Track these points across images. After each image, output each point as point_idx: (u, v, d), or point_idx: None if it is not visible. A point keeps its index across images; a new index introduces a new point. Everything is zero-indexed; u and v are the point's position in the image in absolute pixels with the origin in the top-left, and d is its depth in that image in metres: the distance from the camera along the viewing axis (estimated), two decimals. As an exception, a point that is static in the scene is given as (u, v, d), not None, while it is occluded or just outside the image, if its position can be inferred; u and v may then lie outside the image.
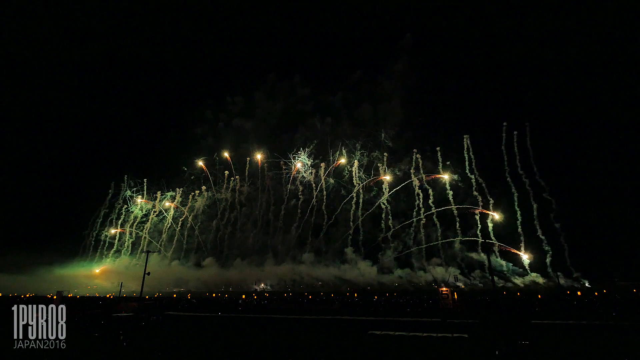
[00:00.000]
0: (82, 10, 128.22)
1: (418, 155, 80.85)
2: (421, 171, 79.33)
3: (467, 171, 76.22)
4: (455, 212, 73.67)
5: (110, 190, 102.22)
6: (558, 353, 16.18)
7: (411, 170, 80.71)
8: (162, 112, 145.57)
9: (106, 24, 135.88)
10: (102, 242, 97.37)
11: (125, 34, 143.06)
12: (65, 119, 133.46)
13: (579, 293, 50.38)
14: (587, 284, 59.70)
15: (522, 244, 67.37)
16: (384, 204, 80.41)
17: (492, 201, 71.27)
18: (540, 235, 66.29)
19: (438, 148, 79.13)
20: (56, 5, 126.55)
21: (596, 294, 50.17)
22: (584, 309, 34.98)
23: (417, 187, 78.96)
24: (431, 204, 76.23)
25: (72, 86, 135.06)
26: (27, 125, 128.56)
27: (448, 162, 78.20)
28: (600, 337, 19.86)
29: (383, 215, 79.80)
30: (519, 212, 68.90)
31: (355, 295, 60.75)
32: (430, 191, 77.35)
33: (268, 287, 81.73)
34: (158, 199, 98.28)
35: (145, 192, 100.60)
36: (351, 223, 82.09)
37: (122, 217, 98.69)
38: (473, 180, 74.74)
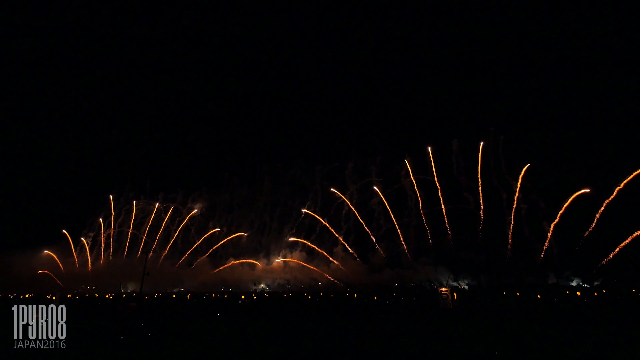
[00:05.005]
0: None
1: (408, 159, 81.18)
2: (411, 174, 79.60)
3: (456, 174, 77.02)
4: (445, 212, 74.31)
5: (110, 195, 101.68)
6: (559, 353, 16.19)
7: (402, 173, 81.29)
8: (164, 111, 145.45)
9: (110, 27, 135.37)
10: (99, 242, 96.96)
11: (133, 37, 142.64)
12: (67, 119, 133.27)
13: (578, 293, 50.61)
14: (582, 284, 60.11)
15: (511, 244, 67.88)
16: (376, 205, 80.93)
17: (482, 203, 71.90)
18: (529, 236, 66.82)
19: (430, 148, 79.28)
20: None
21: (595, 293, 50.41)
22: (584, 308, 35.13)
23: (408, 189, 79.72)
24: (421, 205, 76.80)
25: (76, 86, 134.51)
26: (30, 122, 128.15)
27: (438, 165, 78.75)
28: (600, 337, 19.92)
29: (375, 215, 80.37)
30: (509, 213, 69.34)
31: (355, 295, 60.77)
32: (419, 193, 77.89)
33: (266, 288, 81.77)
34: (159, 201, 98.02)
35: (147, 192, 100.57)
36: (342, 224, 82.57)
37: (121, 217, 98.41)
38: (463, 183, 75.44)
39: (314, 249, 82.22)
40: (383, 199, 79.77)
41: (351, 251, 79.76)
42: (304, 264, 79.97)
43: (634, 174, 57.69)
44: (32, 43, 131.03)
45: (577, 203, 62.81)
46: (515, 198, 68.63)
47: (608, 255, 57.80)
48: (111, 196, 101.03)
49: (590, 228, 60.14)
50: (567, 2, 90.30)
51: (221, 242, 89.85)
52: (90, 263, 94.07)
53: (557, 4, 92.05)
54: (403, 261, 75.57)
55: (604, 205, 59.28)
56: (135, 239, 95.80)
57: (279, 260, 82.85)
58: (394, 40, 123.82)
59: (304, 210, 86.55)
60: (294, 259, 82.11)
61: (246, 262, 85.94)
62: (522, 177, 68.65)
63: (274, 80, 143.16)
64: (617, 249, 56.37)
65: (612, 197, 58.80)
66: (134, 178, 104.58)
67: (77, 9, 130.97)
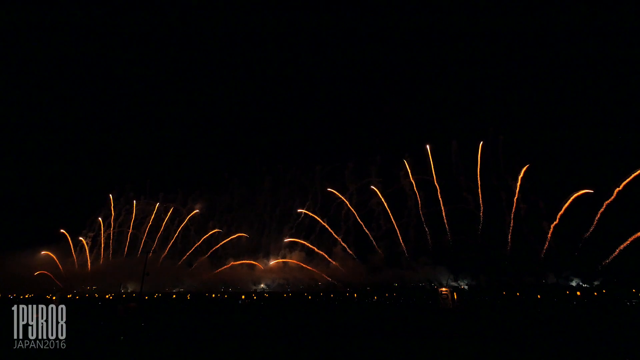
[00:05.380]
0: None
1: (408, 159, 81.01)
2: (410, 175, 79.43)
3: (455, 174, 77.07)
4: (445, 212, 74.40)
5: (110, 195, 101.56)
6: (559, 353, 16.20)
7: (401, 173, 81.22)
8: (164, 111, 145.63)
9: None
10: (99, 242, 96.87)
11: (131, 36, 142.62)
12: (67, 119, 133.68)
13: (578, 293, 50.64)
14: (581, 283, 60.15)
15: (511, 244, 67.96)
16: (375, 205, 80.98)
17: (481, 203, 72.03)
18: (529, 236, 66.83)
19: (428, 147, 78.97)
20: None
21: (595, 294, 50.43)
22: (585, 308, 35.14)
23: (407, 189, 79.73)
24: (421, 206, 76.82)
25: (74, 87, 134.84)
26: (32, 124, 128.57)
27: (438, 165, 78.62)
28: (601, 337, 19.93)
29: (374, 215, 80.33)
30: (509, 213, 69.35)
31: (355, 295, 60.81)
32: (419, 194, 77.87)
33: (266, 288, 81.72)
34: (159, 201, 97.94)
35: (147, 192, 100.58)
36: (342, 224, 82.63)
37: (121, 217, 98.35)
38: (462, 183, 75.41)
39: (314, 249, 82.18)
40: (382, 199, 79.78)
41: (349, 252, 79.77)
42: (303, 265, 79.97)
43: (633, 175, 57.71)
44: (31, 42, 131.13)
45: (577, 204, 62.86)
46: (515, 200, 68.70)
47: (608, 256, 57.79)
48: (111, 196, 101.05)
49: (590, 230, 60.18)
50: (566, 2, 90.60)
51: (221, 244, 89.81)
52: (89, 263, 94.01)
53: (556, 4, 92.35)
54: (402, 261, 75.56)
55: (604, 206, 59.30)
56: (135, 239, 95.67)
57: (278, 261, 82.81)
58: (393, 41, 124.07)
59: (301, 210, 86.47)
60: (293, 259, 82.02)
61: (246, 263, 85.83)
62: (522, 177, 68.75)
63: (273, 80, 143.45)
64: (617, 250, 56.32)
65: (611, 199, 58.83)
66: (134, 178, 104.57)
67: (77, 8, 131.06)
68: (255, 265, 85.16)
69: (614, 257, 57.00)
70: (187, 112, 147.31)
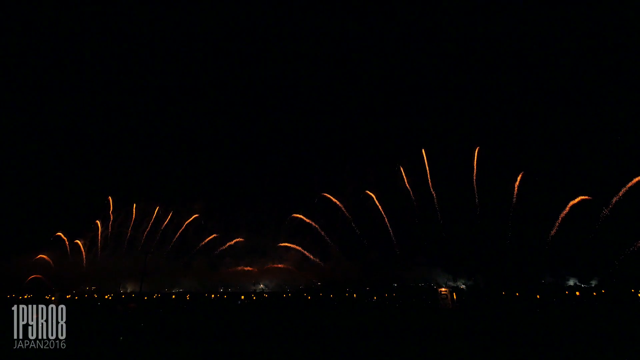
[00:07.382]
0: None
1: (404, 164, 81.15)
2: (405, 180, 79.67)
3: (451, 177, 77.41)
4: (441, 213, 74.70)
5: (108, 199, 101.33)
6: (559, 353, 16.26)
7: (398, 176, 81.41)
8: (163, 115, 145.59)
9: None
10: (99, 244, 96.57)
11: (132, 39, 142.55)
12: (67, 121, 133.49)
13: (577, 293, 50.75)
14: (578, 283, 60.30)
15: (509, 244, 68.20)
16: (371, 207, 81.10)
17: (477, 203, 72.38)
18: (527, 236, 67.09)
19: (423, 149, 79.36)
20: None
21: (594, 294, 50.55)
22: (584, 308, 35.24)
23: (404, 191, 79.92)
24: (417, 207, 77.17)
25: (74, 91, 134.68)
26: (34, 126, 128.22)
27: (436, 168, 78.89)
28: (599, 337, 19.99)
29: (372, 216, 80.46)
30: (507, 214, 69.60)
31: (355, 295, 60.81)
32: (415, 196, 78.11)
33: (265, 288, 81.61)
34: (159, 203, 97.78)
35: (147, 195, 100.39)
36: (339, 226, 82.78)
37: (120, 217, 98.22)
38: (459, 186, 75.71)
39: (312, 248, 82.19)
40: (376, 201, 80.00)
41: (345, 254, 79.84)
42: (297, 271, 79.86)
43: (630, 184, 58.11)
44: (31, 44, 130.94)
45: (575, 207, 63.18)
46: (512, 205, 69.11)
47: (606, 257, 58.03)
48: (110, 198, 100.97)
49: (590, 235, 60.49)
50: (564, 6, 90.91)
51: (220, 249, 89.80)
52: (89, 264, 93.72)
53: (554, 8, 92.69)
54: (402, 262, 75.63)
55: (602, 214, 59.74)
56: (135, 241, 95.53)
57: (273, 266, 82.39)
58: (391, 45, 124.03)
59: (296, 215, 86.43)
60: (290, 260, 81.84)
61: (243, 268, 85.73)
62: (518, 185, 69.28)
63: (271, 85, 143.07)
64: (616, 260, 56.65)
65: (610, 207, 59.30)
66: (134, 181, 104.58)
67: (77, 10, 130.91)
68: (254, 266, 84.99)
69: (612, 257, 57.24)
70: (187, 114, 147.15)
